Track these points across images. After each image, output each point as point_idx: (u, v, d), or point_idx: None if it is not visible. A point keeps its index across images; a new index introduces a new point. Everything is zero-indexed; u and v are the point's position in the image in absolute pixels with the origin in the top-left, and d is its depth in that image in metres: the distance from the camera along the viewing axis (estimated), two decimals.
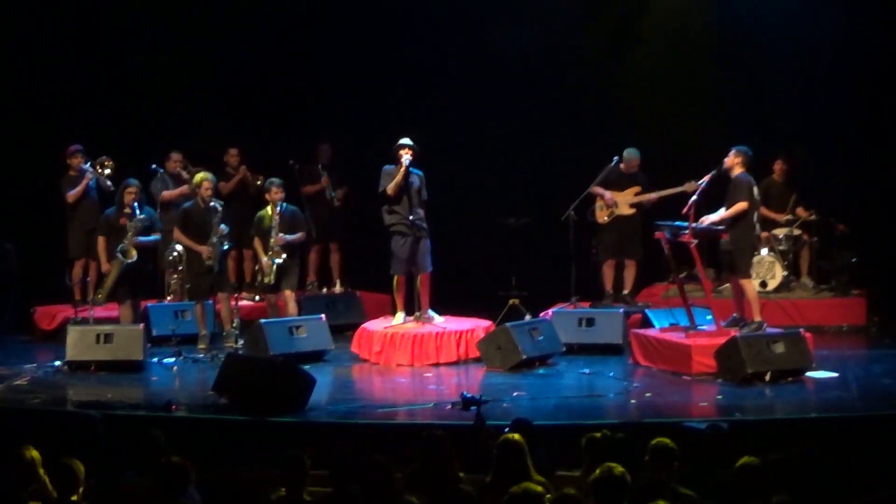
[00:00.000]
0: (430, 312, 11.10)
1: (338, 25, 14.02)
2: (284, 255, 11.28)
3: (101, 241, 11.20)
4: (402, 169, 10.83)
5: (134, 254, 11.01)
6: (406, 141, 10.94)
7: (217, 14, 13.59)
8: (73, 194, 12.06)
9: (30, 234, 13.10)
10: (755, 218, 10.46)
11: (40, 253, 12.96)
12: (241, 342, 11.00)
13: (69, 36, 13.48)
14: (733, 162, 10.36)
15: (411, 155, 10.84)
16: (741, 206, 10.23)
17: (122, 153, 12.39)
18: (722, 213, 10.38)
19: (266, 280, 11.35)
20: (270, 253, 11.28)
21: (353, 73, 14.00)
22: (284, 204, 11.49)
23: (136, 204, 11.12)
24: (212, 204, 11.04)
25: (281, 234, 11.30)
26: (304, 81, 14.05)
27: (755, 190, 10.46)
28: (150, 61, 13.68)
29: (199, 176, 11.30)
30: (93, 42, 13.54)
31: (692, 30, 13.26)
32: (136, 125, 13.33)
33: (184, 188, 12.51)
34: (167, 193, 12.55)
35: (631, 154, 12.08)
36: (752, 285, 10.55)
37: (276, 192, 11.40)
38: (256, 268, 11.95)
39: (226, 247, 11.16)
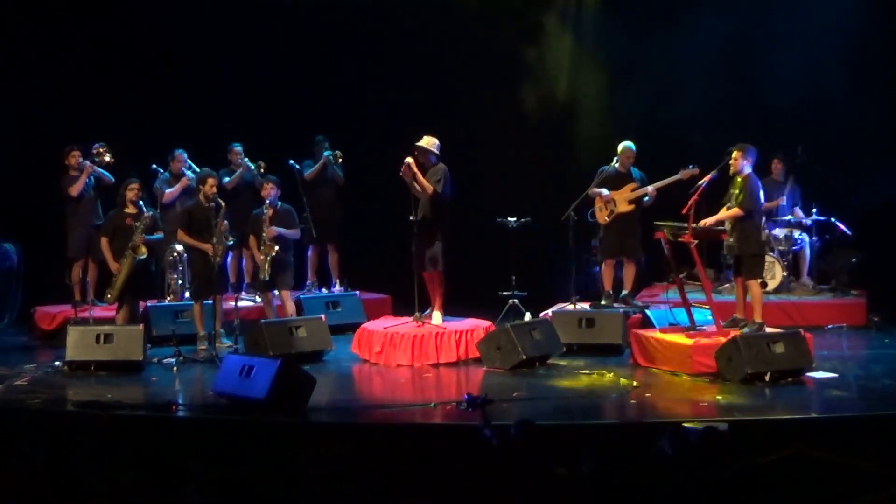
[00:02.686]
0: (434, 313, 11.09)
1: (338, 26, 14.03)
2: (277, 248, 11.29)
3: (104, 241, 11.20)
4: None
5: (145, 250, 11.03)
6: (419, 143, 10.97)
7: (218, 14, 13.61)
8: (75, 187, 12.09)
9: (30, 234, 13.11)
10: (762, 219, 10.45)
11: (40, 253, 12.97)
12: (229, 343, 11.07)
13: (70, 36, 13.49)
14: (741, 163, 10.33)
15: (412, 159, 10.82)
16: (737, 211, 10.23)
17: (123, 153, 12.39)
18: (723, 213, 10.40)
19: (261, 275, 11.37)
20: (263, 247, 11.31)
21: (354, 73, 14.01)
22: (279, 202, 11.53)
23: (140, 202, 11.17)
24: (213, 203, 11.05)
25: (272, 227, 11.32)
26: (305, 82, 14.06)
27: (762, 193, 10.46)
28: (151, 61, 13.70)
29: (204, 174, 11.35)
30: (93, 42, 13.55)
31: (692, 29, 13.26)
32: (136, 125, 13.33)
33: (184, 181, 12.53)
34: (169, 192, 12.56)
35: (626, 146, 12.03)
36: (757, 286, 10.52)
37: (271, 189, 11.45)
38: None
39: (231, 242, 11.12)
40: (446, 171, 10.93)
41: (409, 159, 10.75)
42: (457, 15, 13.68)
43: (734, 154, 10.34)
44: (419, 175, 10.79)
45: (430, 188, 10.80)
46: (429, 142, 10.97)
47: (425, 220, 10.93)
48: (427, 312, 11.08)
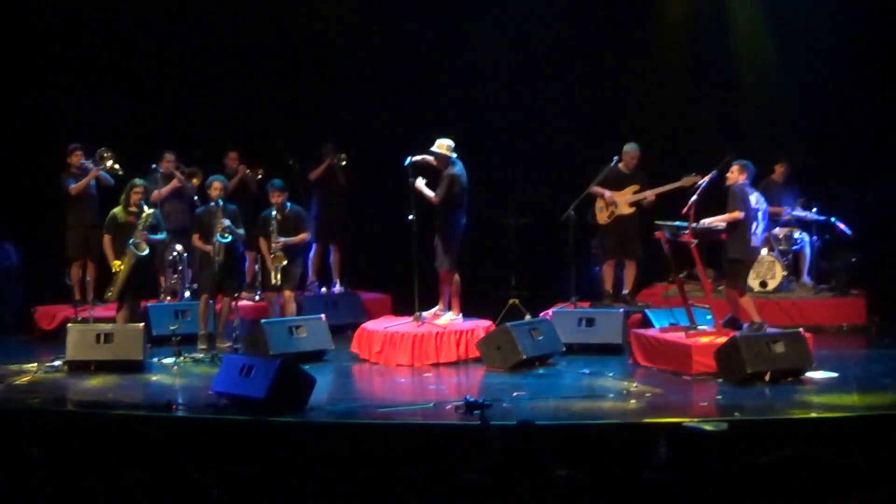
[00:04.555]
0: (441, 311, 11.13)
1: (340, 25, 14.03)
2: (286, 262, 11.40)
3: (106, 238, 11.24)
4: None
5: (146, 247, 11.08)
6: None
7: (217, 14, 13.62)
8: (76, 186, 12.12)
9: (30, 234, 13.11)
10: (753, 229, 10.33)
11: (40, 253, 12.96)
12: (229, 342, 11.09)
13: (70, 35, 13.49)
14: (737, 178, 10.31)
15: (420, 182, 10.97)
16: (736, 214, 10.22)
17: (122, 154, 12.40)
18: (716, 218, 10.38)
19: (273, 282, 11.44)
20: (272, 257, 11.36)
21: (354, 72, 14.01)
22: (288, 204, 11.59)
23: (143, 203, 11.23)
24: (212, 204, 11.16)
25: (281, 239, 11.37)
26: (306, 81, 14.05)
27: (752, 199, 10.33)
28: (150, 61, 13.70)
29: (210, 179, 11.46)
30: (93, 42, 13.55)
31: (695, 30, 13.27)
32: (136, 125, 13.34)
33: (174, 183, 12.57)
34: (157, 193, 12.57)
35: (630, 147, 12.03)
36: (746, 299, 10.48)
37: (277, 196, 11.50)
38: (257, 266, 11.99)
39: (227, 239, 11.15)
40: (453, 176, 10.92)
41: (419, 183, 10.86)
42: (456, 14, 13.68)
43: (733, 168, 10.34)
44: (424, 191, 10.93)
45: (434, 199, 10.90)
46: (440, 145, 10.99)
47: (433, 220, 10.99)
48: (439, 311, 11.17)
